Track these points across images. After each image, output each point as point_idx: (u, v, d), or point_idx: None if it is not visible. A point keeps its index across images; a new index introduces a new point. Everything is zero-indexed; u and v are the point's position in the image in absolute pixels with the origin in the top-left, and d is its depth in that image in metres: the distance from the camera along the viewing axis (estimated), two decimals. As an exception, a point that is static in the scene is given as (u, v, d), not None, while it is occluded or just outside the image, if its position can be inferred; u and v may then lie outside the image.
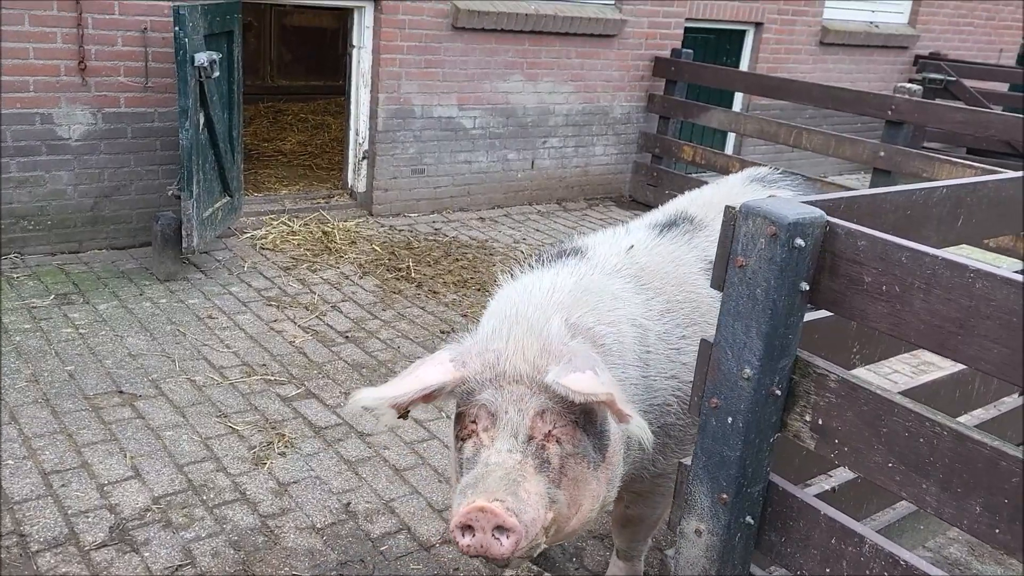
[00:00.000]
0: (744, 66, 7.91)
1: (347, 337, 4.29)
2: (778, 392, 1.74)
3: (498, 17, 6.13)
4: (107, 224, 5.11)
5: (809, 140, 6.15)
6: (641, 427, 1.80)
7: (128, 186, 5.13)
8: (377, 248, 5.53)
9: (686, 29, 7.29)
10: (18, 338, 3.91)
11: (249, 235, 5.52)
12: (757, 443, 1.78)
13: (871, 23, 8.64)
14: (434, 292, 4.94)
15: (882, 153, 5.67)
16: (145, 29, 4.92)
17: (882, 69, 8.82)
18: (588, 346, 1.94)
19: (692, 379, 2.12)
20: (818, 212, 1.65)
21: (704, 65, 7.05)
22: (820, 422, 1.72)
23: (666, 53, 7.10)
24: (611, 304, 2.12)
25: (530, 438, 1.78)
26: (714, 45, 7.76)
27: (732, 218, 1.72)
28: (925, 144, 7.85)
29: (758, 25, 7.77)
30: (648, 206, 6.65)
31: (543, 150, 6.84)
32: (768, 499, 1.85)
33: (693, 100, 7.12)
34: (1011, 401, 2.85)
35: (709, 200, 2.71)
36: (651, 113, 7.27)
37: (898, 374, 4.48)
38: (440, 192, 6.43)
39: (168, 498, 2.94)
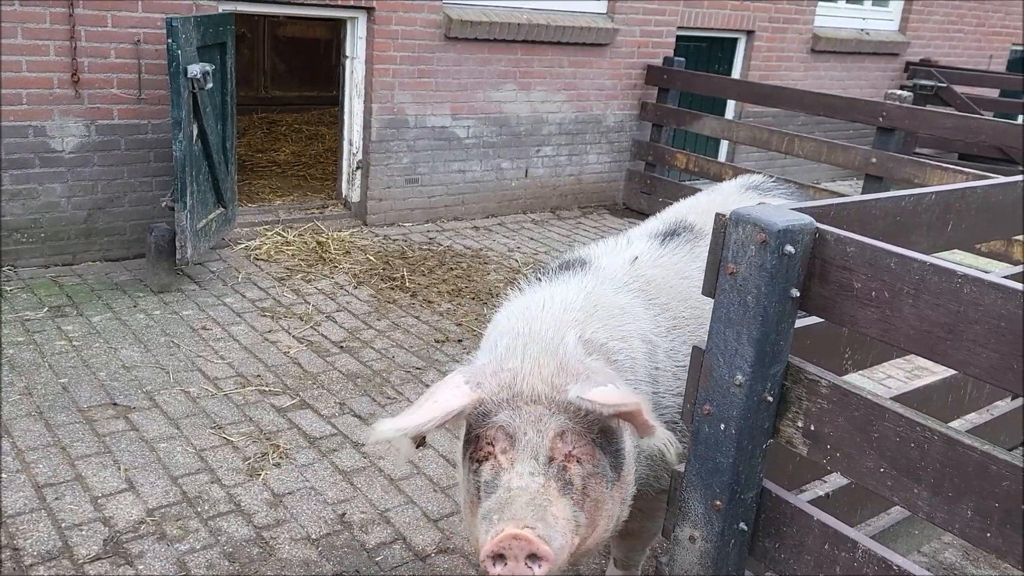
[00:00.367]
0: (736, 74, 7.95)
1: (341, 347, 4.29)
2: (770, 398, 1.75)
3: (491, 27, 6.15)
4: (101, 236, 5.11)
5: (801, 147, 6.18)
6: (666, 438, 1.77)
7: (122, 198, 5.13)
8: (371, 258, 5.54)
9: (678, 37, 7.32)
10: (11, 351, 3.90)
11: (243, 246, 5.52)
12: (750, 449, 1.78)
13: (862, 30, 8.69)
14: (429, 301, 4.94)
15: (874, 159, 5.70)
16: (138, 41, 4.93)
17: (873, 76, 8.87)
18: (603, 363, 1.92)
19: None
20: (807, 219, 1.66)
21: (696, 73, 7.08)
22: (812, 428, 1.73)
23: (658, 61, 7.13)
24: (622, 319, 2.10)
25: (551, 459, 1.74)
26: (706, 53, 7.79)
27: (722, 225, 1.73)
28: (917, 150, 7.89)
29: (749, 33, 7.81)
30: (642, 214, 6.68)
31: (537, 159, 6.86)
32: (761, 505, 1.86)
33: (686, 108, 7.15)
34: (1003, 405, 2.86)
35: (707, 208, 2.70)
36: (644, 121, 7.29)
37: (892, 379, 4.49)
38: (434, 201, 6.44)
39: (162, 510, 2.94)
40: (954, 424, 2.43)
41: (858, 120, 6.07)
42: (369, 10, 5.75)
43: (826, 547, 1.74)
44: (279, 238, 5.69)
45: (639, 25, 7.01)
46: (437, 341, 4.44)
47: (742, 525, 1.85)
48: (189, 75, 4.47)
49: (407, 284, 5.16)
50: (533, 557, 1.63)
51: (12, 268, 4.84)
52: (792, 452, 1.95)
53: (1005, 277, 1.54)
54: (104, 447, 3.26)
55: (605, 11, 6.88)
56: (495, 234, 6.37)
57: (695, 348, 1.85)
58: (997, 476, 1.45)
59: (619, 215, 7.24)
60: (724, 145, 8.13)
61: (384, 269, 5.38)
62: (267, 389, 3.81)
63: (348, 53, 5.96)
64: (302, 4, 5.51)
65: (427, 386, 3.92)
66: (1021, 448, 3.13)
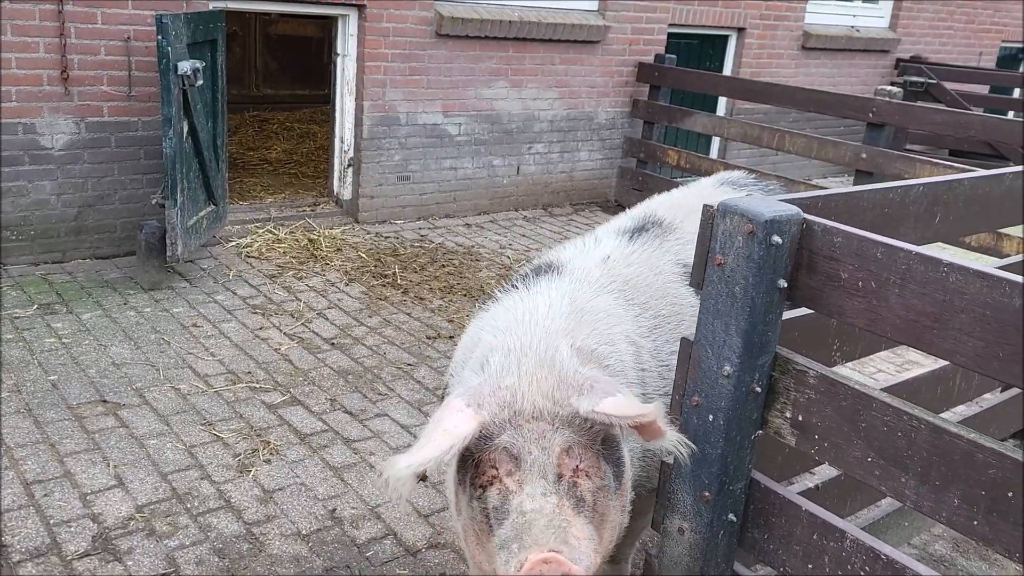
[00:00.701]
0: (727, 71, 7.96)
1: (333, 344, 4.28)
2: (758, 389, 1.75)
3: (482, 24, 6.15)
4: (91, 234, 5.09)
5: (792, 143, 6.19)
6: (677, 439, 1.70)
7: (112, 195, 5.11)
8: (363, 255, 5.53)
9: (669, 35, 7.33)
10: (0, 348, 3.89)
11: (234, 243, 5.50)
12: (739, 440, 1.79)
13: (852, 27, 8.71)
14: (420, 298, 4.94)
15: (864, 155, 5.71)
16: (128, 38, 4.91)
17: (863, 73, 8.89)
18: (598, 370, 1.87)
19: None
20: (795, 209, 1.67)
21: (687, 70, 7.09)
22: (800, 418, 1.73)
23: (650, 59, 7.14)
24: (607, 323, 2.06)
25: (560, 476, 1.67)
26: (697, 51, 7.80)
27: (710, 217, 1.73)
28: (908, 147, 7.91)
29: (740, 30, 7.82)
30: (633, 211, 6.66)
31: (528, 156, 6.86)
32: (750, 496, 1.86)
33: (677, 105, 7.15)
34: (991, 398, 2.87)
35: (679, 202, 2.68)
36: (635, 118, 7.30)
37: (883, 373, 4.50)
38: (426, 199, 6.43)
39: (152, 506, 2.93)
40: (943, 416, 2.44)
41: (848, 116, 6.09)
42: (360, 7, 5.74)
43: (815, 537, 1.74)
44: (270, 236, 5.68)
45: (630, 22, 7.01)
46: (428, 337, 4.43)
47: (731, 516, 1.85)
48: (179, 72, 4.45)
49: (399, 281, 5.15)
50: None
51: (2, 266, 4.82)
52: (781, 443, 1.95)
53: (1000, 268, 1.55)
54: (93, 444, 3.24)
55: (596, 8, 6.88)
56: (487, 231, 6.36)
57: (683, 340, 1.85)
58: (984, 464, 1.46)
59: (611, 212, 7.24)
60: (716, 142, 8.14)
61: (376, 266, 5.37)
62: (258, 386, 3.80)
63: (339, 51, 5.95)
64: (293, 1, 5.49)
65: (419, 383, 3.94)
66: (1011, 440, 3.14)
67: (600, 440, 1.75)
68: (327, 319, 4.57)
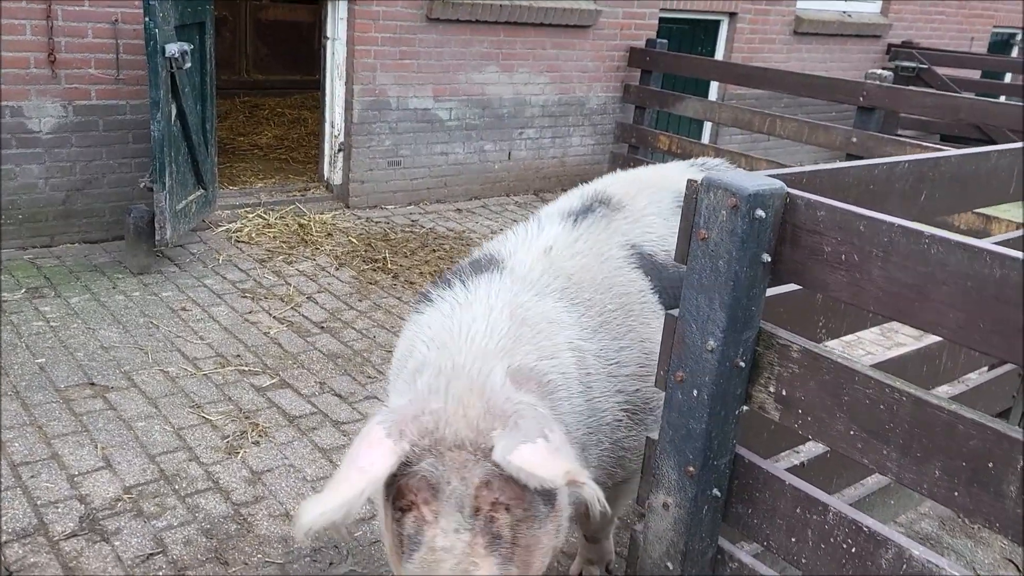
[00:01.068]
0: (719, 56, 7.94)
1: (322, 327, 4.28)
2: (742, 364, 1.75)
3: (473, 8, 6.12)
4: (79, 218, 5.06)
5: (783, 128, 6.19)
6: (592, 492, 1.59)
7: (100, 179, 5.08)
8: (353, 240, 5.51)
9: (661, 20, 7.31)
10: (-12, 332, 3.87)
11: (224, 228, 5.48)
12: (723, 415, 1.79)
13: (844, 12, 8.69)
14: (410, 283, 4.93)
15: (854, 139, 5.71)
16: (115, 21, 4.87)
17: (855, 58, 8.88)
18: (534, 395, 1.79)
19: (638, 389, 2.13)
20: (778, 183, 1.66)
21: (679, 55, 7.07)
22: (784, 393, 1.74)
23: (641, 43, 7.11)
24: (549, 332, 1.97)
25: (476, 510, 1.59)
26: (689, 36, 7.78)
27: (694, 191, 1.73)
28: (900, 132, 7.92)
29: (732, 15, 7.80)
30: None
31: (520, 141, 6.84)
32: (735, 471, 1.87)
33: (669, 90, 7.14)
34: (976, 377, 2.88)
35: (635, 177, 2.60)
36: (627, 103, 7.28)
37: (872, 356, 4.51)
38: (416, 184, 6.41)
39: (139, 488, 2.92)
40: (929, 395, 2.45)
41: (839, 100, 6.09)
42: (350, -10, 5.71)
43: (798, 511, 1.75)
44: (260, 220, 5.66)
45: (622, 7, 6.98)
46: (419, 321, 4.43)
47: (715, 491, 1.86)
48: (167, 54, 4.42)
49: (389, 266, 5.14)
50: None
51: (-11, 250, 4.80)
52: (767, 422, 1.96)
53: (998, 243, 1.55)
54: (81, 426, 3.24)
55: (588, -8, 6.85)
56: (478, 216, 6.35)
57: (668, 315, 1.85)
58: (964, 435, 1.46)
59: (602, 197, 7.23)
60: (707, 127, 8.13)
61: (366, 251, 5.36)
62: (247, 369, 3.79)
63: (329, 34, 5.91)
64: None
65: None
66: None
67: None
68: (317, 303, 4.56)
